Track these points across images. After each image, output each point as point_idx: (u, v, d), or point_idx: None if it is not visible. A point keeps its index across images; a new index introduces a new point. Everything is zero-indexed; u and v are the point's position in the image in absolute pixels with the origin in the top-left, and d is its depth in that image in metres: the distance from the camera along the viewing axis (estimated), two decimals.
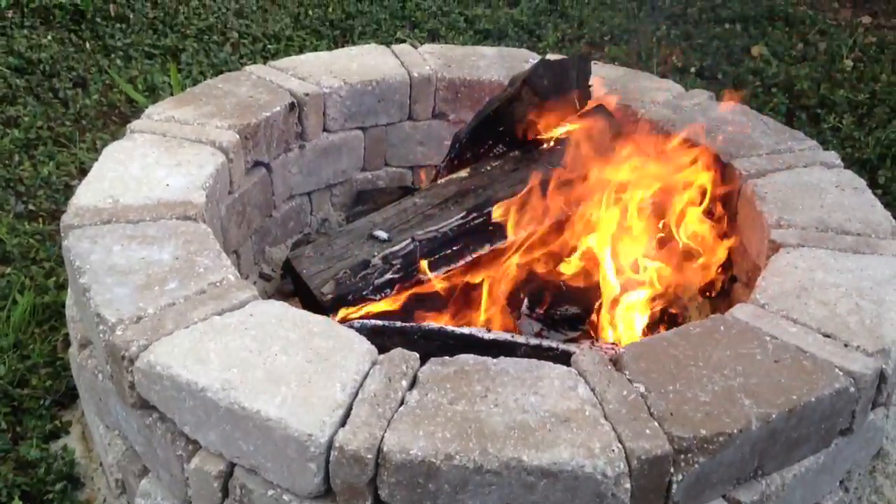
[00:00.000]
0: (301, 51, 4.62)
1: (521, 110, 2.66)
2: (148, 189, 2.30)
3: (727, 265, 2.67)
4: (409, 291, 2.47)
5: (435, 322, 2.38)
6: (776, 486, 1.85)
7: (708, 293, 2.69)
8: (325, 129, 2.99)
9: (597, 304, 2.52)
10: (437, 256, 2.49)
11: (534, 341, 2.26)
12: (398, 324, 2.30)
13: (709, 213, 2.64)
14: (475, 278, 2.52)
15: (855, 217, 2.37)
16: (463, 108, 3.13)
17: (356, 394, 1.73)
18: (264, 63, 3.18)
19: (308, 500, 1.71)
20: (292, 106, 2.83)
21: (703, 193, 2.61)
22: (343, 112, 2.99)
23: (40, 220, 3.29)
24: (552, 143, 2.73)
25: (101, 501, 2.30)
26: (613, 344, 2.34)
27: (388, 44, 3.38)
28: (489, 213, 2.53)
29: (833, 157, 2.67)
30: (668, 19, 5.24)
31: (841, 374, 1.85)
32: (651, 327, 2.52)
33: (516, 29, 5.11)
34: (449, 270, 2.50)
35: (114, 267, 2.02)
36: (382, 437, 1.64)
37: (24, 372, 2.61)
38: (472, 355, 1.85)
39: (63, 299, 2.69)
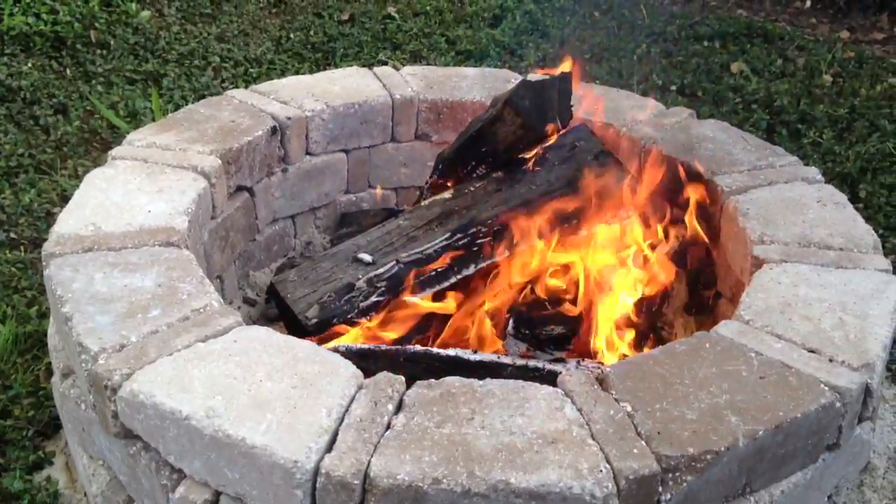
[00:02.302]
0: (283, 74, 4.62)
1: (504, 131, 2.67)
2: (130, 216, 2.29)
3: (711, 282, 2.68)
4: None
5: (420, 345, 2.37)
6: (764, 502, 1.85)
7: (693, 310, 2.69)
8: (307, 153, 2.99)
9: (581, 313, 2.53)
10: (421, 278, 2.49)
11: (520, 362, 2.25)
12: (383, 347, 2.29)
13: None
14: (460, 299, 2.52)
15: (837, 232, 2.38)
16: (445, 129, 3.14)
17: (342, 419, 1.72)
18: (246, 87, 3.19)
19: None
20: (274, 130, 2.83)
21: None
22: (325, 135, 2.99)
23: (22, 248, 3.26)
24: (534, 164, 2.73)
25: None
26: (599, 363, 2.34)
27: (369, 66, 3.39)
28: (474, 234, 2.53)
29: (814, 172, 2.69)
30: (648, 38, 5.27)
31: (826, 389, 1.85)
32: (637, 344, 2.52)
33: (498, 49, 5.13)
34: (433, 292, 2.49)
35: (96, 295, 2.01)
36: (369, 462, 1.63)
37: (7, 402, 2.58)
38: (458, 377, 1.85)
39: (45, 328, 2.67)
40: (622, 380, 1.85)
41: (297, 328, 2.39)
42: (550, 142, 2.73)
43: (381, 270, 2.47)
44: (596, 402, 1.79)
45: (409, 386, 1.83)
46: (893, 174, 3.82)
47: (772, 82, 4.69)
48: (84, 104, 4.21)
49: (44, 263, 2.15)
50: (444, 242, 2.52)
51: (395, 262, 2.48)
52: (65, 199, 3.35)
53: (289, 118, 2.87)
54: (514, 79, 3.26)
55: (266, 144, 2.81)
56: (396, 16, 5.51)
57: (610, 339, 2.47)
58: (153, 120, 3.90)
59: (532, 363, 2.26)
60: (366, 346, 2.28)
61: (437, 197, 2.72)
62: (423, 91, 3.14)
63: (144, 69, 4.58)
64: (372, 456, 1.64)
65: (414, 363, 2.21)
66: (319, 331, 2.36)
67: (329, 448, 1.66)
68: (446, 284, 2.51)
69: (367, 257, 2.51)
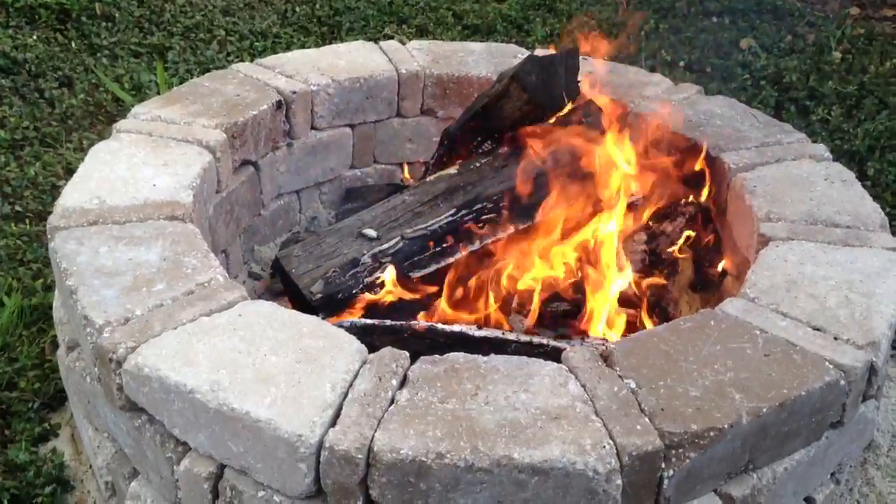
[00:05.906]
0: (288, 48, 4.60)
1: (510, 106, 2.66)
2: (135, 189, 2.29)
3: (717, 259, 2.68)
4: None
5: (425, 320, 2.37)
6: (767, 479, 1.85)
7: (698, 287, 2.69)
8: (313, 127, 2.98)
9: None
10: (425, 254, 2.48)
11: (524, 338, 2.25)
12: (388, 322, 2.29)
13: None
14: (465, 275, 2.51)
15: (844, 210, 2.37)
16: (451, 104, 3.12)
17: (346, 393, 1.73)
18: (251, 61, 3.17)
19: (299, 500, 1.70)
20: (279, 104, 2.82)
21: None
22: (331, 109, 2.98)
23: (27, 221, 3.27)
24: (541, 139, 2.72)
25: None
26: (604, 340, 2.34)
27: (375, 40, 3.37)
28: (479, 210, 2.53)
29: (822, 149, 2.67)
30: (656, 13, 5.23)
31: (831, 367, 1.85)
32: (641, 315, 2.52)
33: (504, 24, 5.10)
34: (437, 268, 2.49)
35: (101, 268, 2.01)
36: (373, 436, 1.63)
37: (12, 375, 2.59)
38: (462, 353, 1.85)
39: (51, 301, 2.67)
40: (626, 356, 1.85)
41: (301, 303, 2.39)
42: (557, 118, 2.72)
43: (385, 246, 2.46)
44: (600, 379, 1.79)
45: (413, 361, 1.83)
46: None
47: (781, 59, 4.66)
48: (89, 77, 4.19)
49: (49, 236, 2.15)
50: (450, 218, 2.52)
51: (399, 237, 2.48)
52: (70, 172, 3.35)
53: (294, 92, 2.86)
54: (520, 54, 3.24)
55: (271, 119, 2.80)
56: None
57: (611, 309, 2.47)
58: (158, 93, 3.89)
59: (536, 339, 2.26)
60: (370, 322, 2.28)
61: (443, 172, 2.71)
62: (429, 66, 3.12)
63: (149, 42, 4.56)
64: (376, 430, 1.64)
65: (418, 339, 2.21)
66: (324, 305, 2.36)
67: (333, 422, 1.66)
68: (450, 261, 2.51)
69: (371, 233, 2.51)
